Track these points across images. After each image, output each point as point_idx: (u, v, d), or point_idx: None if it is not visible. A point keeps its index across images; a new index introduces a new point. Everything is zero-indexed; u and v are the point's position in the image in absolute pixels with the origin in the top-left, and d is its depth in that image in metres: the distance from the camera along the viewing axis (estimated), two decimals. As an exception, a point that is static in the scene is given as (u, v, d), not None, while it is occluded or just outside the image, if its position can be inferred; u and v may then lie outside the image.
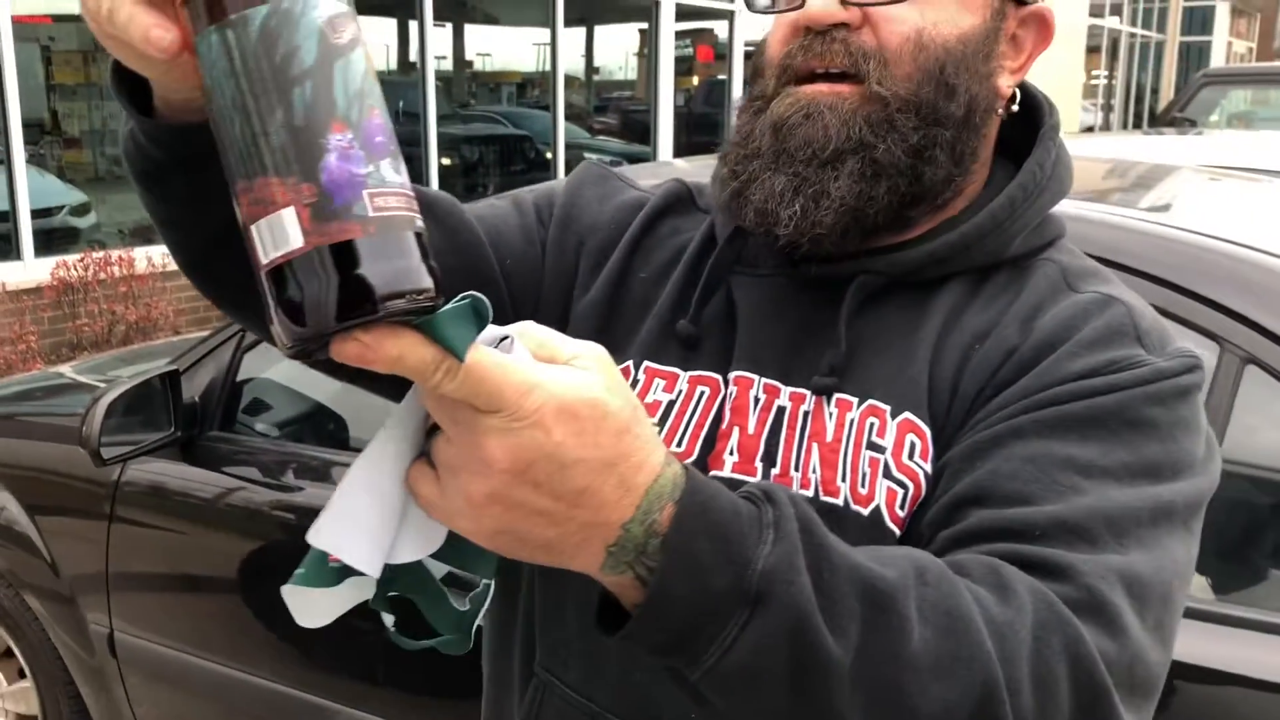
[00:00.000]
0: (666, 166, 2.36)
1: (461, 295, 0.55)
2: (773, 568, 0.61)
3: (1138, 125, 22.16)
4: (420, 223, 0.55)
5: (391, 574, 0.67)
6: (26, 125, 6.15)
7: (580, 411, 0.57)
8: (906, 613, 0.63)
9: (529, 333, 0.60)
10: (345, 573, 0.64)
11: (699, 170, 1.07)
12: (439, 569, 0.70)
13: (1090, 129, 19.38)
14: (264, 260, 0.53)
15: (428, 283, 0.54)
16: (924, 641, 0.63)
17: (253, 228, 0.53)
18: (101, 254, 6.39)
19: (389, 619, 0.73)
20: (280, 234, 0.52)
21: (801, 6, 0.84)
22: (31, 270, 6.20)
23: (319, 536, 0.61)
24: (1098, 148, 3.70)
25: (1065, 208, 0.93)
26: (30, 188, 6.15)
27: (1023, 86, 0.93)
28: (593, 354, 0.60)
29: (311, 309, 0.52)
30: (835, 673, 0.62)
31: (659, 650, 0.63)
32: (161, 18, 0.58)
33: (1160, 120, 8.96)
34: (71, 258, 6.28)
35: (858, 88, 0.84)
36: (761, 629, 0.61)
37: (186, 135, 0.70)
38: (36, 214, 6.27)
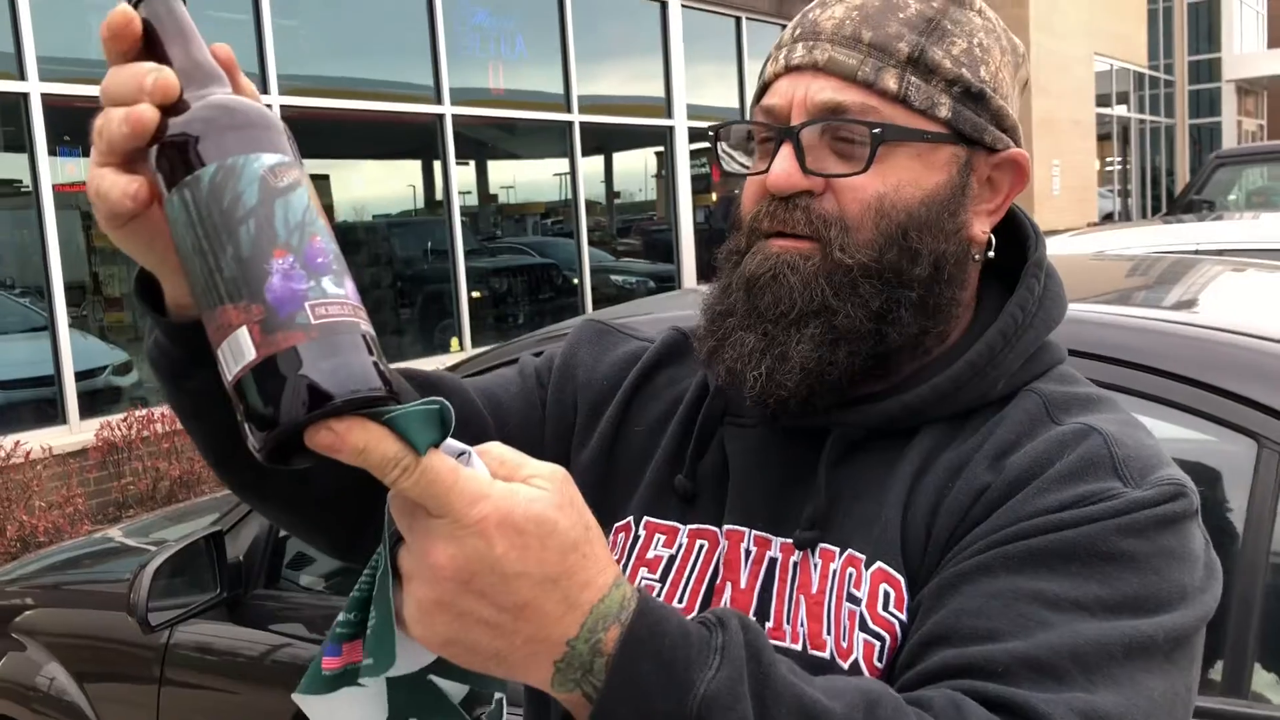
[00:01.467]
0: (687, 295, 2.39)
1: (428, 399, 0.58)
2: (714, 693, 0.61)
3: (1156, 209, 22.24)
4: (367, 327, 0.60)
5: (405, 696, 0.70)
6: (69, 288, 6.34)
7: (524, 526, 0.58)
8: None
9: (492, 451, 0.62)
10: (338, 681, 0.67)
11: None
12: (456, 692, 0.71)
13: (1110, 215, 19.42)
14: (228, 377, 0.59)
15: (374, 377, 0.58)
16: None
17: (218, 351, 0.60)
18: (144, 412, 6.50)
19: None
20: (238, 351, 0.58)
21: (766, 171, 0.86)
22: (77, 433, 6.31)
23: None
24: (1122, 241, 3.71)
25: (1092, 315, 0.92)
26: (74, 350, 6.31)
27: (1010, 214, 0.92)
28: (549, 473, 0.61)
29: (270, 412, 0.57)
30: None
31: None
32: (133, 181, 0.65)
33: (1178, 204, 8.98)
34: (115, 418, 6.39)
35: (820, 245, 0.85)
36: None
37: (201, 332, 0.74)
38: (80, 376, 6.41)
